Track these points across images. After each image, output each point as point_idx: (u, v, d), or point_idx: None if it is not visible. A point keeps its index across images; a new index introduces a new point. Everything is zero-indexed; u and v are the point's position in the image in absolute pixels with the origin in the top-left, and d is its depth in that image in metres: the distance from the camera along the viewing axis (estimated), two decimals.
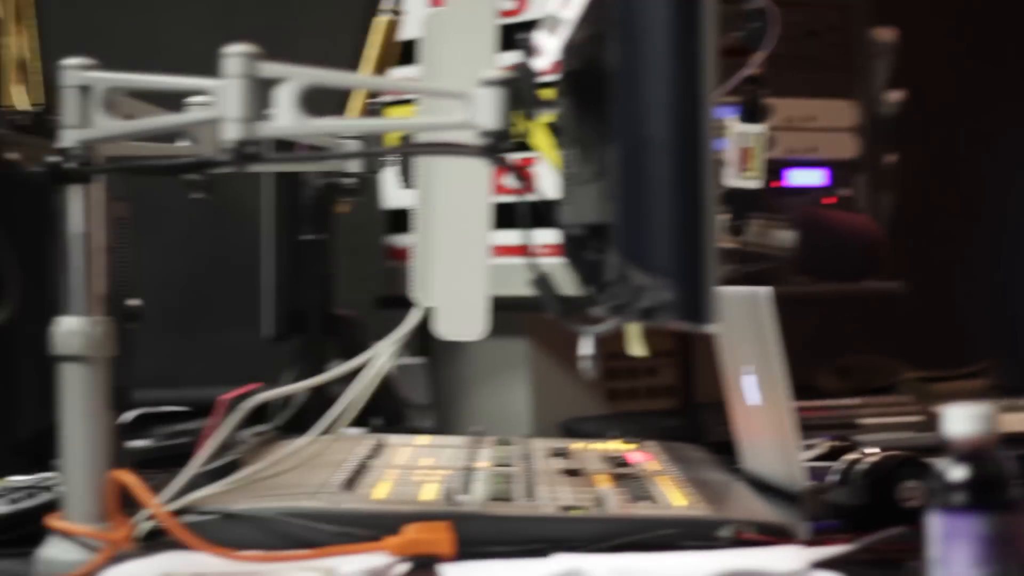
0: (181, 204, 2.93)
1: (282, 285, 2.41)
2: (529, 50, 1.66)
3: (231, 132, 1.36)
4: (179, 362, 3.36)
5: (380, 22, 2.39)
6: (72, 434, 1.43)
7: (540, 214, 1.51)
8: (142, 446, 2.13)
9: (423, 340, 2.30)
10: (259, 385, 2.02)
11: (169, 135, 1.67)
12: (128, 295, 1.98)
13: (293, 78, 1.38)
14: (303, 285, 2.40)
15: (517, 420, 2.48)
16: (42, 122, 2.04)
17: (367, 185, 2.45)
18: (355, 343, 2.16)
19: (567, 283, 1.55)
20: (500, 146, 1.38)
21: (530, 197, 1.44)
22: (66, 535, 1.43)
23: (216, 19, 3.56)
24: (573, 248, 1.65)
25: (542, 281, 1.45)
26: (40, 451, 1.62)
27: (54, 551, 1.43)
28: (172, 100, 1.53)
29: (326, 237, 2.39)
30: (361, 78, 2.23)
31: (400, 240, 2.61)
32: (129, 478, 1.42)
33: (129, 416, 2.14)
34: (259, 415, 2.02)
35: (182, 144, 1.69)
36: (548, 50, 2.07)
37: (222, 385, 2.04)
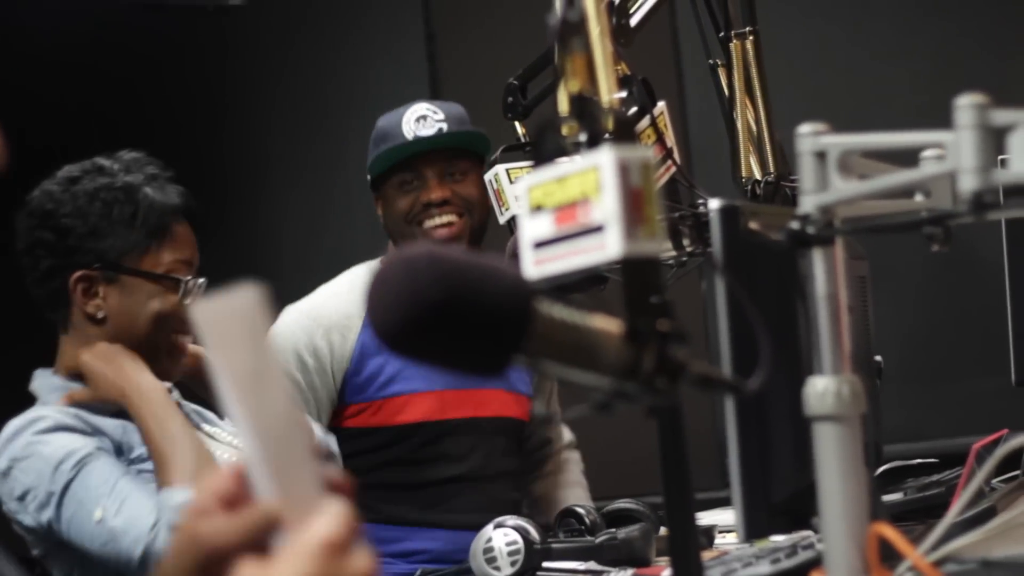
0: (911, 256, 2.94)
1: None
2: None
3: (967, 183, 1.36)
4: (921, 414, 3.36)
5: None
6: (831, 492, 1.46)
7: None
8: (894, 499, 2.15)
9: None
10: (1004, 432, 2.00)
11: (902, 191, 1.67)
12: (870, 352, 2.01)
13: None
14: None
15: None
16: (775, 189, 2.09)
17: None
18: None
19: None
20: None
21: None
22: None
23: (932, 70, 3.57)
24: None
25: None
26: (798, 511, 1.66)
27: None
28: (896, 155, 1.54)
29: None
30: None
31: None
32: (889, 531, 1.44)
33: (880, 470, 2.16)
34: (1009, 462, 2.00)
35: (914, 199, 1.69)
36: None
37: (967, 435, 2.03)
